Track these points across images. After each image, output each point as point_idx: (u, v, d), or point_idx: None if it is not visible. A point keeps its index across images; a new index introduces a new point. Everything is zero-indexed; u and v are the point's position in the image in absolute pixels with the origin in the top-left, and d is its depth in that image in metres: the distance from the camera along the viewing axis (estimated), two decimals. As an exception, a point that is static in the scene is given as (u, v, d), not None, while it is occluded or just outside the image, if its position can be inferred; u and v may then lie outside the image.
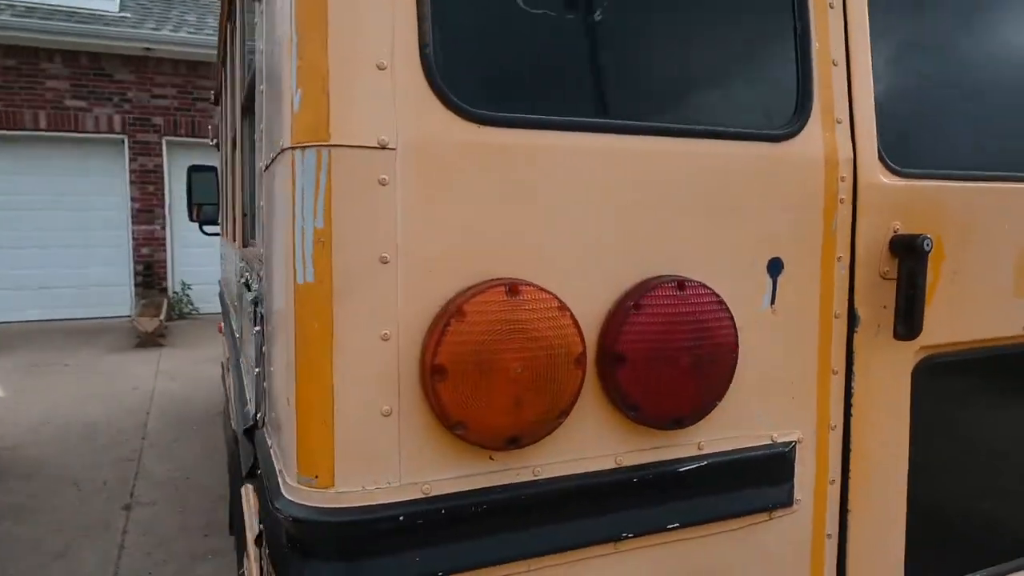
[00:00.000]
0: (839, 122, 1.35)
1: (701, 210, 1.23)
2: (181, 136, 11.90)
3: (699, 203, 1.23)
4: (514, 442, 1.08)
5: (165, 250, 11.96)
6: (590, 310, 1.14)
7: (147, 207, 11.79)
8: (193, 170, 6.25)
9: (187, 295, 12.04)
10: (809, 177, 1.32)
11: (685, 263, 1.22)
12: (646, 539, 1.22)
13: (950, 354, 1.52)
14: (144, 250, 11.81)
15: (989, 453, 1.67)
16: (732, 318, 1.21)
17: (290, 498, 1.06)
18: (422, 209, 1.04)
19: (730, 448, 1.28)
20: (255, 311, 1.49)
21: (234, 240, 3.41)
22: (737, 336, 1.22)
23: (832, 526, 1.41)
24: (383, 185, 1.01)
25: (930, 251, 1.34)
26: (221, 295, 5.18)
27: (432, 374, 1.02)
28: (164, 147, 11.84)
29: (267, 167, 1.27)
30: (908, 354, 1.45)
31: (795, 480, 1.35)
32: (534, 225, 1.10)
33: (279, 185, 1.11)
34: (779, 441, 1.33)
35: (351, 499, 1.03)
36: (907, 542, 1.49)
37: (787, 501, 1.34)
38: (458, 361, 1.02)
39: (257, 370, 1.45)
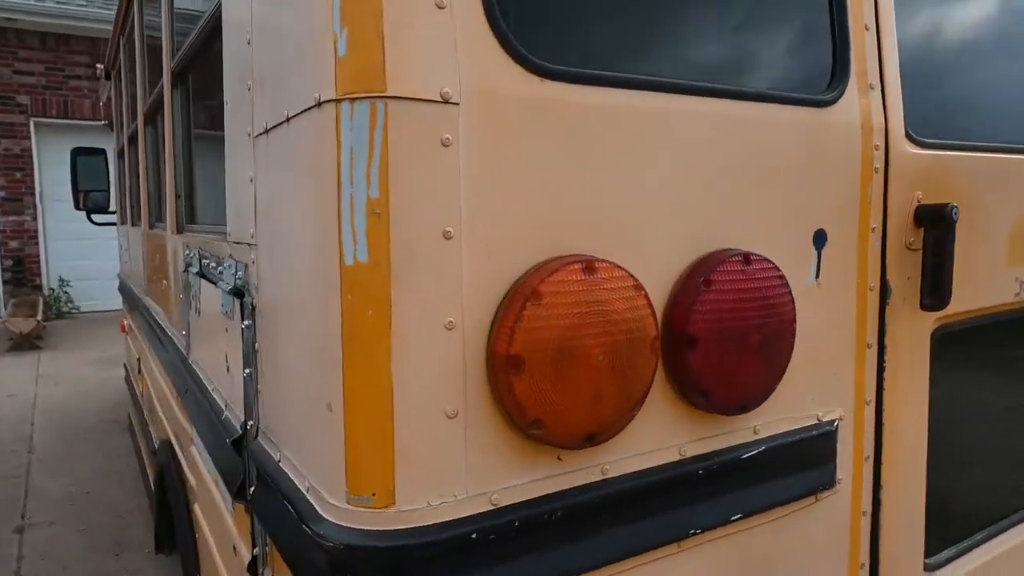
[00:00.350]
0: (872, 88, 1.31)
1: (755, 178, 1.15)
2: (52, 117, 10.76)
3: (752, 171, 1.15)
4: (591, 439, 0.96)
5: (37, 243, 10.81)
6: (656, 287, 1.03)
7: (14, 195, 10.59)
8: (78, 153, 5.62)
9: (66, 292, 10.97)
10: (850, 145, 1.27)
11: (741, 235, 1.13)
12: (709, 534, 1.14)
13: (958, 323, 1.53)
14: (13, 243, 10.63)
15: (993, 414, 1.72)
16: (791, 293, 1.14)
17: (336, 521, 0.89)
18: (487, 175, 0.89)
19: (783, 430, 1.22)
20: (239, 304, 1.28)
21: (151, 226, 3.06)
22: (795, 312, 1.15)
23: (867, 503, 1.38)
24: (446, 146, 0.85)
25: (957, 220, 1.33)
26: (124, 288, 4.70)
27: (507, 366, 0.88)
28: (32, 129, 10.66)
29: (270, 129, 1.07)
30: (928, 324, 1.44)
31: (837, 459, 1.30)
32: (602, 194, 0.98)
33: (308, 147, 0.92)
34: (824, 420, 1.28)
35: (415, 518, 0.87)
36: (927, 510, 1.49)
37: (831, 481, 1.29)
38: (536, 350, 0.88)
39: (247, 371, 1.24)
